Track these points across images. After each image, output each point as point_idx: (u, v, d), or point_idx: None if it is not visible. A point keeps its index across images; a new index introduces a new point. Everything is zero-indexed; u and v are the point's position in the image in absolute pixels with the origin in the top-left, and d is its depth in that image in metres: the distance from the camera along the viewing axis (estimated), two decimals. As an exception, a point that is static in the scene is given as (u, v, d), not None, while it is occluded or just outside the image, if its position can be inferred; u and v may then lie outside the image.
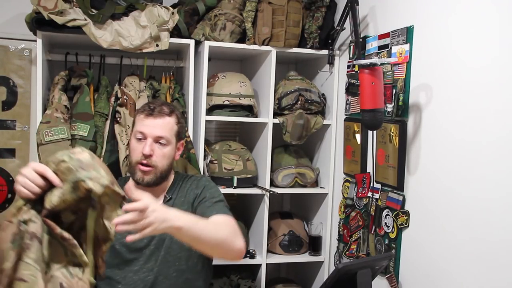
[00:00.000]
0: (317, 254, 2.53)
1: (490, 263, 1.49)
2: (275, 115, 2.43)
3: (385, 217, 2.00)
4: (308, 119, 2.40)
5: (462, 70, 1.62)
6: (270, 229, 2.51)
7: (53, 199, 1.10)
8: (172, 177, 1.82)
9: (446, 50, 1.71)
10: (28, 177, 1.13)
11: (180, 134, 1.78)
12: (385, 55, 2.04)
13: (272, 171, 2.46)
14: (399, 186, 1.92)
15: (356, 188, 2.24)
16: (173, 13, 2.24)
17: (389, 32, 2.02)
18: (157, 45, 2.19)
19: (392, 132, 1.96)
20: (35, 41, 2.19)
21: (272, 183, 2.47)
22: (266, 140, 2.42)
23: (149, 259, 1.69)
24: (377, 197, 2.05)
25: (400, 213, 1.91)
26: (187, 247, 1.62)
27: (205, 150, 2.37)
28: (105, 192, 1.11)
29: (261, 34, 2.35)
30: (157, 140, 1.69)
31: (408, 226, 1.88)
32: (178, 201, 1.77)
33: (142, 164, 1.69)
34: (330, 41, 2.43)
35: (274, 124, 2.41)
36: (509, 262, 1.42)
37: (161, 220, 1.24)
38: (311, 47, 2.43)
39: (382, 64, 1.88)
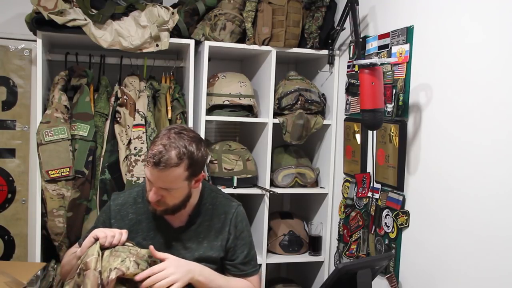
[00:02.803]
0: (317, 254, 2.53)
1: (490, 263, 1.49)
2: (275, 115, 2.43)
3: (385, 217, 2.00)
4: (308, 119, 2.40)
5: (462, 70, 1.62)
6: (270, 229, 2.51)
7: (130, 269, 1.40)
8: (196, 197, 1.69)
9: (446, 50, 1.71)
10: (112, 235, 1.46)
11: (195, 173, 1.57)
12: (385, 55, 2.04)
13: (272, 171, 2.46)
14: (399, 186, 1.92)
15: (356, 188, 2.24)
16: (173, 13, 2.24)
17: (389, 32, 2.02)
18: (157, 45, 2.19)
19: (392, 132, 1.96)
20: (35, 41, 2.19)
21: (272, 183, 2.47)
22: (266, 140, 2.42)
23: None
24: (377, 197, 2.05)
25: (400, 213, 1.91)
26: None
27: (205, 150, 2.37)
28: None
29: (261, 34, 2.35)
30: (163, 187, 1.55)
31: (408, 226, 1.88)
32: (203, 226, 1.69)
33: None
34: (330, 41, 2.43)
35: (274, 124, 2.41)
36: (510, 262, 1.42)
37: (186, 272, 1.51)
38: (311, 47, 2.43)
39: (382, 64, 1.88)
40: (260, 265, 1.78)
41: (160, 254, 1.50)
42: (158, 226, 1.68)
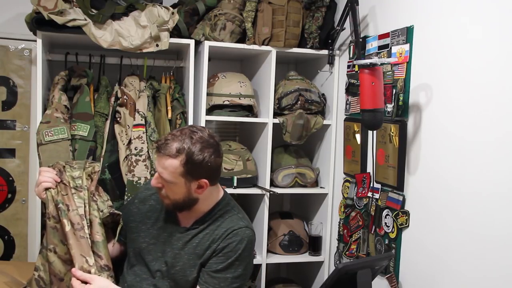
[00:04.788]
0: (317, 254, 2.53)
1: (490, 262, 1.49)
2: (275, 115, 2.43)
3: (385, 217, 2.00)
4: (308, 119, 2.40)
5: (462, 70, 1.62)
6: (270, 229, 2.51)
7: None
8: (209, 205, 1.67)
9: (446, 50, 1.71)
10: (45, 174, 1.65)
11: (192, 173, 1.55)
12: (385, 55, 2.04)
13: (272, 171, 2.46)
14: (399, 186, 1.93)
15: (356, 188, 2.24)
16: (173, 13, 2.24)
17: (389, 32, 2.02)
18: (157, 45, 2.19)
19: (392, 132, 1.96)
20: (35, 41, 2.19)
21: (272, 183, 2.47)
22: (266, 140, 2.42)
23: None
24: (377, 197, 2.05)
25: (400, 213, 1.91)
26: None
27: (205, 150, 2.37)
28: None
29: (261, 34, 2.35)
30: (161, 175, 1.58)
31: (408, 226, 1.88)
32: (203, 233, 1.65)
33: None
34: (330, 41, 2.43)
35: (274, 124, 2.41)
36: (509, 262, 1.42)
37: None
38: (311, 47, 2.43)
39: (382, 64, 1.88)
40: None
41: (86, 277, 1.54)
42: (168, 220, 1.70)
